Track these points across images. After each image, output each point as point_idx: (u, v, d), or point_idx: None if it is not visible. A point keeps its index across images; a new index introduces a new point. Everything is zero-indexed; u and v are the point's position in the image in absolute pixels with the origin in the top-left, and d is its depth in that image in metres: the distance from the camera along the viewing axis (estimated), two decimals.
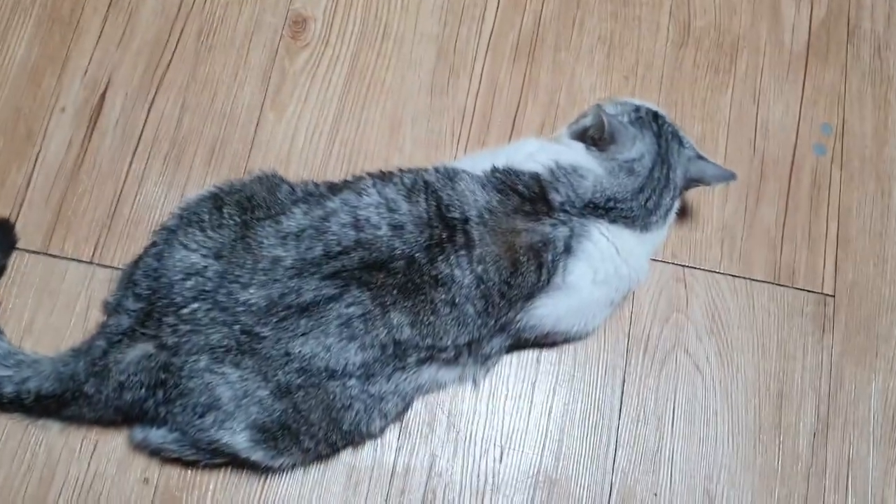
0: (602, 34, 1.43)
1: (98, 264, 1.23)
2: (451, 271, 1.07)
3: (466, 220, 1.10)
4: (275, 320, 1.04)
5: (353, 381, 1.06)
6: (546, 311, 1.14)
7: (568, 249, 1.12)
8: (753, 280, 1.32)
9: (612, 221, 1.15)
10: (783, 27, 1.47)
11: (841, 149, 1.41)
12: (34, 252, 1.22)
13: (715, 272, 1.32)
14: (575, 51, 1.41)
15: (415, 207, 1.10)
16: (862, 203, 1.38)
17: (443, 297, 1.07)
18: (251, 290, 1.04)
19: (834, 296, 1.33)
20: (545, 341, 1.22)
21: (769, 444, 1.25)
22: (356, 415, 1.08)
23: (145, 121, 1.31)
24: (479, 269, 1.08)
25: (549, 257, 1.11)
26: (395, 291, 1.06)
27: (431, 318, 1.07)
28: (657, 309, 1.30)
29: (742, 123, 1.41)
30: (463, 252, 1.08)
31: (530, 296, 1.11)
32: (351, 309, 1.04)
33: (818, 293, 1.33)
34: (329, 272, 1.05)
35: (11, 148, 1.27)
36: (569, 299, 1.14)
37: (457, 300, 1.08)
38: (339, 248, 1.06)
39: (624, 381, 1.26)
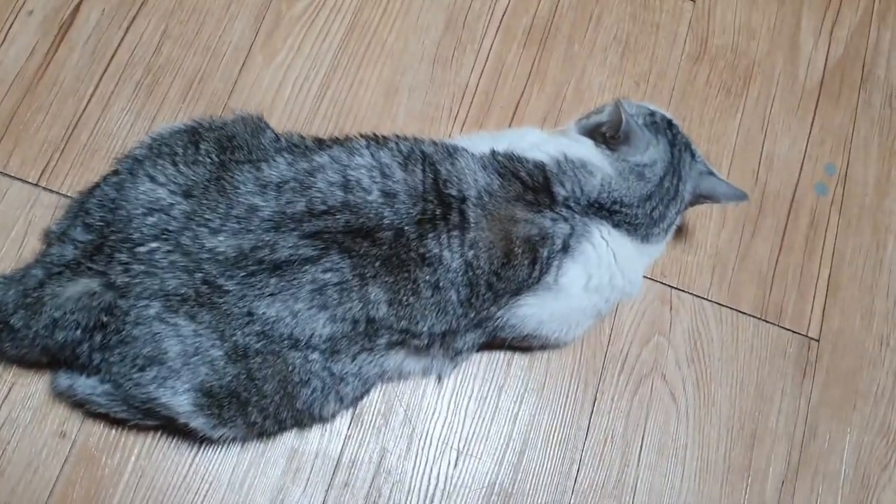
0: (618, 34, 1.36)
1: (44, 188, 1.10)
2: (440, 252, 0.98)
3: (464, 200, 1.00)
4: (242, 274, 0.92)
5: (315, 355, 0.95)
6: (530, 311, 1.05)
7: (566, 248, 1.03)
8: (740, 312, 1.26)
9: (616, 226, 1.07)
10: (799, 61, 1.42)
11: (842, 193, 1.36)
12: None
13: (703, 298, 1.25)
14: (588, 46, 1.34)
15: (410, 177, 1.00)
16: (856, 251, 1.33)
17: (427, 278, 0.98)
18: (220, 238, 0.93)
19: (818, 340, 1.27)
20: (520, 344, 1.13)
21: (736, 485, 1.18)
22: (312, 392, 0.97)
23: (120, 41, 1.18)
24: (470, 253, 0.99)
25: (545, 253, 1.02)
26: (377, 263, 0.96)
27: (411, 300, 0.97)
28: (639, 328, 1.22)
29: (747, 151, 1.35)
30: (455, 233, 0.99)
31: (517, 292, 1.03)
32: (327, 275, 0.94)
33: (803, 335, 1.27)
34: (310, 231, 0.94)
35: None
36: (556, 302, 1.05)
37: (441, 284, 0.98)
38: (323, 207, 0.96)
39: (595, 399, 1.18)
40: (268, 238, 0.94)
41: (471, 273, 0.99)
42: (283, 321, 0.93)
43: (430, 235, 0.98)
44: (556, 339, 1.12)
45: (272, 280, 0.93)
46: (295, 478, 1.07)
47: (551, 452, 1.15)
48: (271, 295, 0.92)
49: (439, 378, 1.13)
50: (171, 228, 0.93)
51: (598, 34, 1.35)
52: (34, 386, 1.03)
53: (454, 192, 1.00)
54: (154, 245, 0.92)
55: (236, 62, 1.21)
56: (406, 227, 0.97)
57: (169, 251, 0.92)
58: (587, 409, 1.17)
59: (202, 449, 1.04)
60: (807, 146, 1.38)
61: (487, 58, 1.29)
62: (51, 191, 1.10)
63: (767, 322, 1.27)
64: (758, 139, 1.36)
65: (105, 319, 0.91)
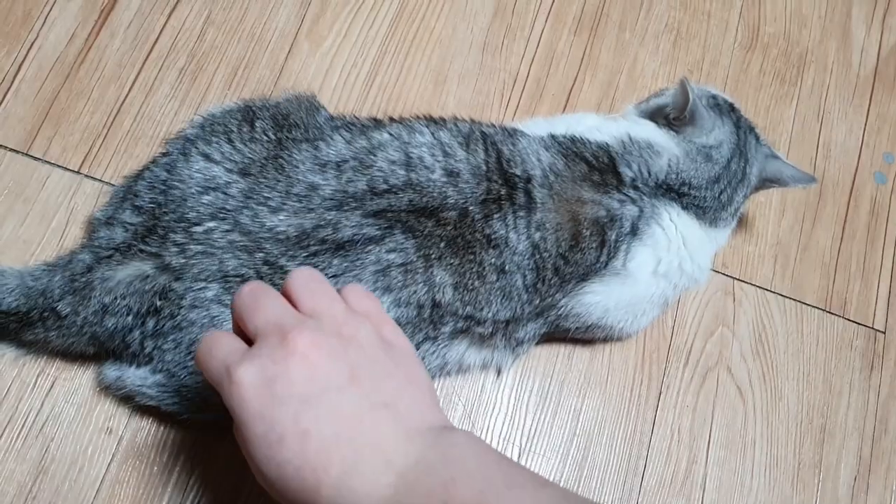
0: (669, 22, 1.32)
1: (86, 175, 1.05)
2: (507, 233, 0.93)
3: (529, 180, 0.96)
4: (304, 254, 0.87)
5: None
6: (596, 298, 1.00)
7: (634, 231, 0.99)
8: (804, 304, 1.21)
9: (684, 208, 1.02)
10: (852, 49, 1.39)
11: None
12: (12, 150, 1.04)
13: (766, 289, 1.20)
14: (640, 34, 1.30)
15: (472, 156, 0.96)
16: None
17: (493, 260, 0.93)
18: (281, 217, 0.88)
19: (884, 332, 1.22)
20: (583, 336, 1.08)
21: (808, 482, 1.13)
22: None
23: (163, 27, 1.14)
24: (537, 235, 0.94)
25: (613, 236, 0.97)
26: (442, 244, 0.91)
27: (476, 284, 0.93)
28: (702, 321, 1.17)
29: (804, 140, 1.31)
30: (522, 214, 0.94)
31: (584, 277, 0.98)
32: (392, 256, 0.89)
33: (868, 327, 1.22)
34: (373, 209, 0.90)
35: (3, 29, 1.09)
36: (623, 289, 1.01)
37: (507, 267, 0.94)
38: (385, 186, 0.91)
39: (661, 394, 1.13)
40: (330, 217, 0.89)
41: (537, 256, 0.94)
42: None
43: (496, 216, 0.93)
44: (622, 329, 1.07)
45: (335, 261, 0.88)
46: None
47: (617, 448, 1.09)
48: (334, 276, 0.88)
49: (499, 372, 1.08)
50: (228, 207, 0.88)
51: (649, 22, 1.31)
52: (78, 380, 0.98)
53: (519, 172, 0.96)
54: (211, 224, 0.88)
55: (282, 49, 1.17)
56: (471, 208, 0.93)
57: (227, 230, 0.87)
58: (652, 404, 1.12)
59: None
60: (864, 135, 1.34)
61: (538, 45, 1.25)
62: (93, 178, 1.05)
63: (832, 314, 1.22)
64: (814, 128, 1.32)
65: (158, 304, 0.86)
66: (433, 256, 0.91)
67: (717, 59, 1.32)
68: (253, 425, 0.62)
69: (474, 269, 0.92)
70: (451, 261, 0.91)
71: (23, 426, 0.95)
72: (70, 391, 0.97)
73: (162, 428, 0.98)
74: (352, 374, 0.63)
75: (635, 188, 1.00)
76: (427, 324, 0.92)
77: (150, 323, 0.87)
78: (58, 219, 1.03)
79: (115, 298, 0.87)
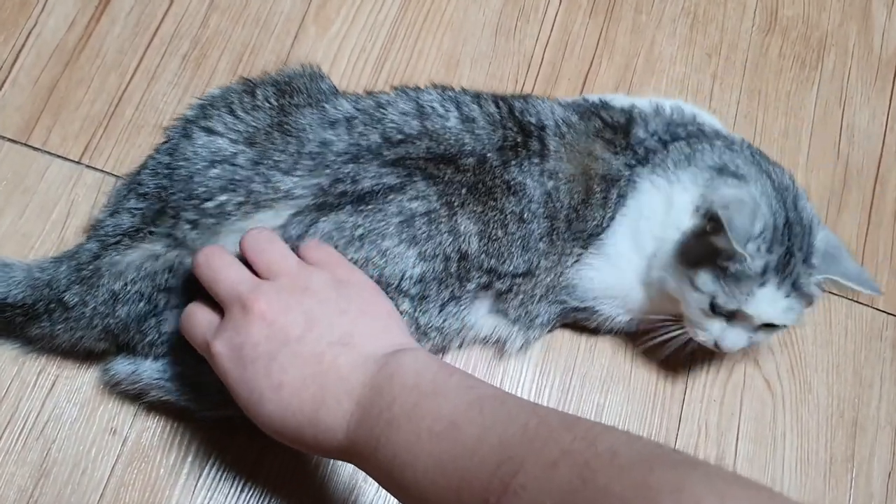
0: (686, 5, 1.28)
1: (87, 165, 1.01)
2: (524, 179, 0.91)
3: (543, 128, 0.94)
4: (325, 212, 0.84)
5: (405, 304, 0.86)
6: (593, 273, 0.97)
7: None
8: (831, 293, 1.17)
9: None
10: (873, 31, 1.35)
11: None
12: (11, 140, 1.00)
13: None
14: (656, 17, 1.26)
15: (485, 107, 0.94)
16: None
17: (513, 207, 0.90)
18: (295, 178, 0.84)
19: None
20: (595, 324, 1.04)
21: (840, 478, 1.09)
22: None
23: (165, 13, 1.10)
24: (550, 184, 0.92)
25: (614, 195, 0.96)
26: (464, 191, 0.88)
27: (499, 233, 0.90)
28: None
29: (826, 124, 1.27)
30: (536, 160, 0.92)
31: (589, 238, 0.95)
32: (415, 204, 0.85)
33: None
34: (391, 159, 0.87)
35: (0, 16, 1.05)
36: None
37: (525, 215, 0.91)
38: (400, 136, 0.89)
39: (686, 388, 1.08)
40: (347, 170, 0.85)
41: (551, 205, 0.92)
42: (372, 262, 0.84)
43: (513, 162, 0.91)
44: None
45: (358, 218, 0.84)
46: (368, 476, 0.96)
47: None
48: (360, 237, 0.84)
49: (503, 348, 1.02)
50: (238, 178, 0.84)
51: (665, 4, 1.27)
52: (80, 379, 0.93)
53: (533, 120, 0.95)
54: (223, 198, 0.83)
55: (288, 34, 1.13)
56: (489, 154, 0.90)
57: (241, 202, 0.83)
58: (678, 398, 1.08)
59: (269, 444, 0.94)
60: (888, 119, 1.30)
61: (553, 28, 1.21)
62: (94, 168, 1.01)
63: (860, 304, 1.18)
64: (836, 112, 1.28)
65: (170, 282, 0.82)
66: (456, 204, 0.87)
67: (736, 42, 1.28)
68: (238, 390, 0.70)
69: (497, 217, 0.90)
70: (475, 208, 0.88)
71: (23, 427, 0.91)
72: (72, 390, 0.93)
73: (168, 427, 0.93)
74: (307, 321, 0.69)
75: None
76: (454, 279, 0.89)
77: (162, 302, 0.82)
78: (58, 210, 0.99)
79: (125, 284, 0.82)
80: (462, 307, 0.92)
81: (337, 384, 0.67)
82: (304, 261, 0.76)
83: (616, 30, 1.24)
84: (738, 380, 1.10)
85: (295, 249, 0.78)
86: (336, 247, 0.82)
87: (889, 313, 1.18)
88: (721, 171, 0.97)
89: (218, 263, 0.74)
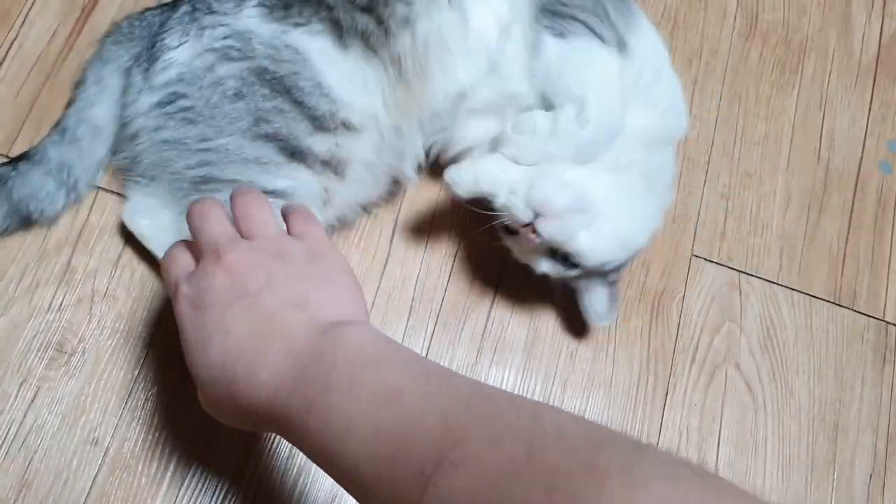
0: (666, 10, 1.29)
1: None
2: None
3: None
4: None
5: None
6: None
7: None
8: (812, 296, 1.18)
9: None
10: (853, 35, 1.36)
11: None
12: None
13: (773, 282, 1.17)
14: None
15: None
16: None
17: None
18: None
19: None
20: None
21: (822, 480, 1.09)
22: None
23: None
24: None
25: None
26: None
27: None
28: (708, 316, 1.14)
29: (807, 129, 1.28)
30: None
31: None
32: None
33: (879, 320, 1.19)
34: None
35: None
36: None
37: None
38: None
39: (668, 393, 1.09)
40: None
41: None
42: None
43: None
44: None
45: None
46: None
47: None
48: None
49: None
50: None
51: (645, 10, 1.26)
52: (62, 390, 0.94)
53: None
54: None
55: None
56: None
57: None
58: (659, 403, 1.08)
59: (250, 454, 0.95)
60: (867, 123, 1.30)
61: None
62: None
63: (841, 306, 1.18)
64: (816, 116, 1.29)
65: None
66: None
67: (716, 47, 1.29)
68: (188, 333, 0.72)
69: None
70: None
71: (5, 438, 0.92)
72: (54, 401, 0.93)
73: (150, 437, 0.94)
74: (269, 280, 0.71)
75: None
76: None
77: None
78: None
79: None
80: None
81: (280, 342, 0.68)
82: (288, 230, 0.80)
83: None
84: (720, 384, 1.11)
85: (286, 217, 0.82)
86: None
87: (870, 316, 1.19)
88: None
89: (209, 215, 0.76)
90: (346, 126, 0.93)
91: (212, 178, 0.91)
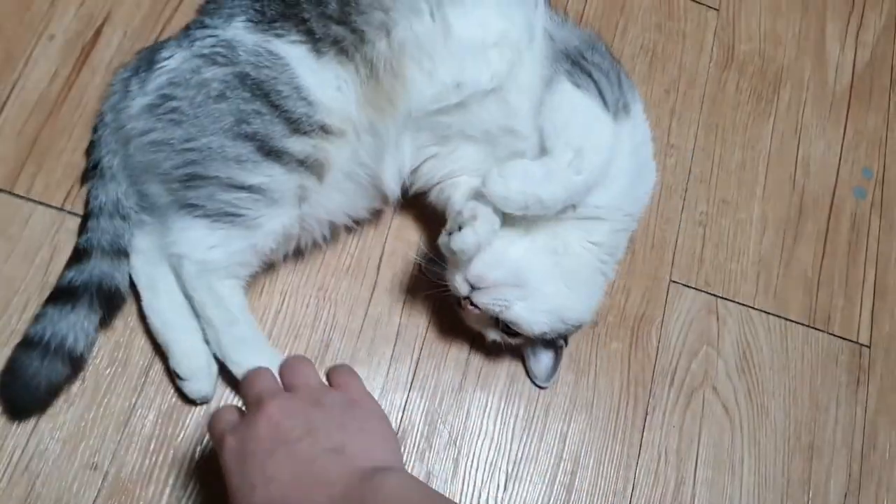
0: (645, 44, 1.34)
1: (69, 212, 1.06)
2: None
3: None
4: None
5: None
6: None
7: None
8: (788, 320, 1.22)
9: None
10: (827, 65, 1.41)
11: (881, 196, 1.33)
12: None
13: (749, 307, 1.21)
14: (616, 55, 1.31)
15: None
16: None
17: None
18: None
19: (870, 346, 1.23)
20: None
21: (797, 499, 1.13)
22: None
23: None
24: None
25: None
26: None
27: None
28: (686, 340, 1.18)
29: (783, 156, 1.32)
30: None
31: None
32: None
33: (853, 342, 1.23)
34: None
35: None
36: None
37: None
38: None
39: (647, 415, 1.13)
40: None
41: None
42: None
43: None
44: None
45: None
46: None
47: (604, 472, 1.09)
48: None
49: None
50: None
51: (624, 44, 1.33)
52: (63, 416, 0.98)
53: None
54: None
55: None
56: None
57: None
58: (638, 426, 1.12)
59: None
60: (842, 150, 1.35)
61: None
62: (75, 214, 1.06)
63: (816, 329, 1.23)
64: (792, 144, 1.34)
65: None
66: None
67: (694, 78, 1.34)
68: (233, 479, 0.76)
69: None
70: None
71: (8, 463, 0.95)
72: (55, 427, 0.97)
73: (147, 462, 0.98)
74: (308, 428, 0.75)
75: None
76: None
77: None
78: (41, 255, 1.03)
79: None
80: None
81: (322, 488, 0.72)
82: (328, 383, 0.85)
83: None
84: (698, 406, 1.15)
85: (328, 375, 0.87)
86: None
87: (844, 338, 1.23)
88: None
89: (257, 376, 0.82)
90: (324, 129, 0.99)
91: (196, 175, 0.97)
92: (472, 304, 0.96)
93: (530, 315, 0.96)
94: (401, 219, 1.15)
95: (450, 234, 0.94)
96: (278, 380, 0.82)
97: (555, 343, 1.06)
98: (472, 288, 0.95)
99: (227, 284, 1.00)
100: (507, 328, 0.99)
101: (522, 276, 0.96)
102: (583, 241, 1.00)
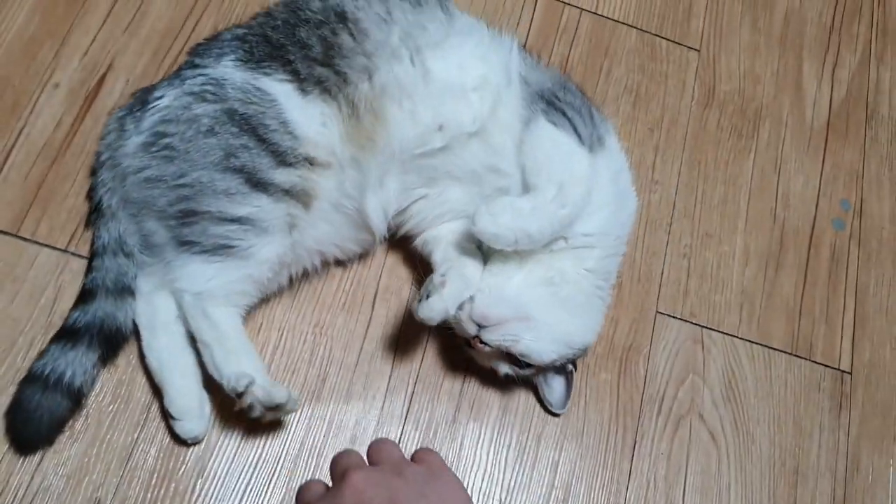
0: (629, 84, 1.39)
1: (73, 253, 1.10)
2: None
3: None
4: None
5: None
6: None
7: None
8: (771, 348, 1.25)
9: None
10: (805, 102, 1.46)
11: (859, 227, 1.38)
12: (2, 232, 1.09)
13: (734, 336, 1.25)
14: (601, 96, 1.37)
15: None
16: (879, 283, 1.34)
17: None
18: None
19: (851, 373, 1.27)
20: None
21: None
22: None
23: None
24: None
25: None
26: None
27: None
28: (673, 370, 1.21)
29: (763, 190, 1.37)
30: None
31: None
32: None
33: (835, 369, 1.27)
34: None
35: None
36: None
37: None
38: None
39: (636, 443, 1.16)
40: None
41: None
42: None
43: None
44: None
45: None
46: None
47: (595, 498, 1.12)
48: None
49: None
50: None
51: (609, 85, 1.38)
52: (66, 452, 1.01)
53: None
54: None
55: None
56: None
57: None
58: (627, 454, 1.15)
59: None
60: (820, 183, 1.40)
61: None
62: (80, 256, 1.10)
63: (799, 357, 1.26)
64: (772, 178, 1.38)
65: None
66: None
67: (676, 117, 1.38)
68: None
69: None
70: None
71: (13, 499, 0.98)
72: (59, 463, 1.00)
73: (149, 496, 1.00)
74: (391, 497, 0.78)
75: None
76: None
77: None
78: (46, 296, 1.07)
79: None
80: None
81: None
82: (412, 459, 0.88)
83: None
84: (685, 434, 1.18)
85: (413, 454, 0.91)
86: None
87: (826, 365, 1.26)
88: None
89: (345, 454, 0.85)
90: (309, 161, 1.04)
91: (190, 211, 1.01)
92: (481, 342, 1.00)
93: (539, 345, 1.01)
94: (394, 256, 1.19)
95: (419, 301, 0.99)
96: (364, 458, 0.86)
97: (565, 368, 1.10)
98: (480, 327, 1.00)
99: (224, 311, 1.03)
100: (517, 361, 1.03)
101: (524, 308, 1.02)
102: (577, 268, 1.06)
